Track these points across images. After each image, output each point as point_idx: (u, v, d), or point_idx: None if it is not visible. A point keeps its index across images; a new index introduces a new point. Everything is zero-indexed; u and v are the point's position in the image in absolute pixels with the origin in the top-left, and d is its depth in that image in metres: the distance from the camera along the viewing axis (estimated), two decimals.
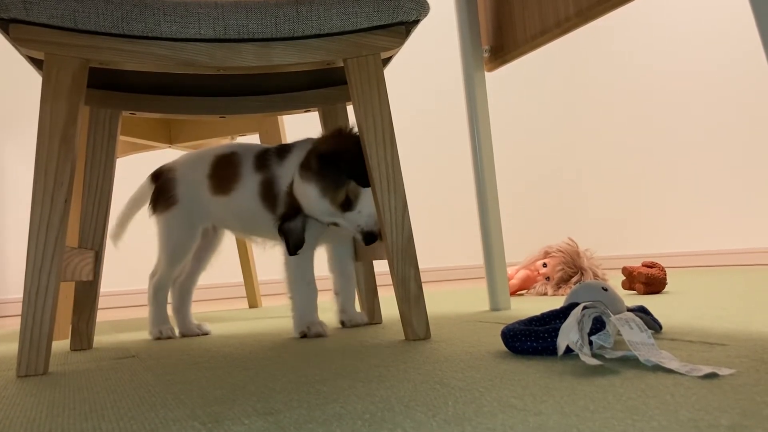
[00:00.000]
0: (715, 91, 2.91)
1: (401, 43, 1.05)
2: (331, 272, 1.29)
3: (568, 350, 0.72)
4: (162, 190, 1.29)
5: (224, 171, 1.24)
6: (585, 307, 0.74)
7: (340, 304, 1.28)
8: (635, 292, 1.63)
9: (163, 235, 1.28)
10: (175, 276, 1.33)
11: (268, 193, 1.20)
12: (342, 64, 1.05)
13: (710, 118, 2.94)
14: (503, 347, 0.84)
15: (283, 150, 1.22)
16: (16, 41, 0.92)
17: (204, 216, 1.28)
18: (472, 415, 0.51)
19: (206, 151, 1.31)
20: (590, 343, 0.73)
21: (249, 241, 1.40)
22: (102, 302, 2.84)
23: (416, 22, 1.05)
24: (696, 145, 3.02)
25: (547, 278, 1.81)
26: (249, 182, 1.22)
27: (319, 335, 1.11)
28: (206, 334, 1.32)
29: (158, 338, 1.27)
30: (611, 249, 3.40)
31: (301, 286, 1.16)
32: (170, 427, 0.53)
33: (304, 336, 1.12)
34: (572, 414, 0.49)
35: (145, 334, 1.40)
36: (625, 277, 1.65)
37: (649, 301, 1.38)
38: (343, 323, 1.27)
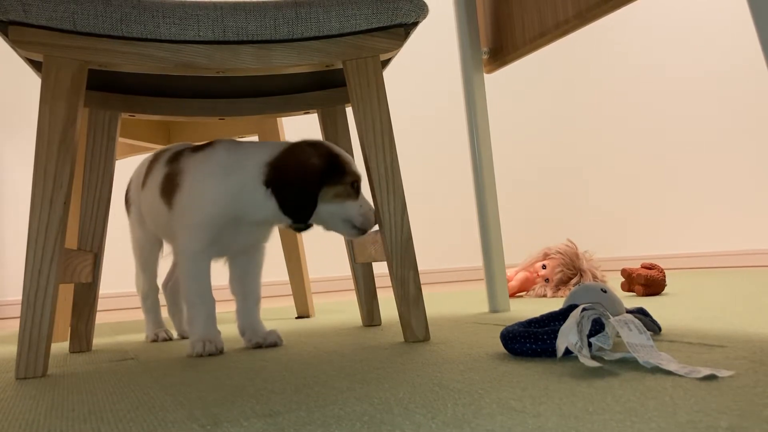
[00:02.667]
0: (714, 92, 2.92)
1: (400, 45, 1.05)
2: (231, 291, 1.14)
3: (568, 352, 0.72)
4: (125, 197, 1.30)
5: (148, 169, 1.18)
6: (584, 309, 0.74)
7: (241, 327, 1.11)
8: (634, 293, 1.63)
9: (131, 242, 1.28)
10: (165, 281, 1.33)
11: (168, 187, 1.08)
12: (341, 66, 1.05)
13: (709, 119, 2.95)
14: (502, 349, 0.84)
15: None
16: (15, 43, 0.92)
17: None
18: (471, 416, 0.51)
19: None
20: (589, 344, 0.73)
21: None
22: (101, 304, 2.84)
23: (415, 24, 1.05)
24: (694, 147, 3.02)
25: (547, 280, 1.81)
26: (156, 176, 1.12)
27: (211, 353, 0.99)
28: None
29: (154, 341, 1.27)
30: (610, 251, 3.40)
31: (194, 302, 1.02)
32: (169, 429, 0.53)
33: (198, 355, 0.99)
34: (571, 416, 0.49)
35: (143, 337, 1.40)
36: (624, 279, 1.65)
37: (649, 303, 1.38)
38: (248, 342, 1.09)
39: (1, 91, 2.83)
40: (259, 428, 0.51)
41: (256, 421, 0.54)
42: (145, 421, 0.57)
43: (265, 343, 1.07)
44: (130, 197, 1.27)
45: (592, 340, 0.74)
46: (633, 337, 0.69)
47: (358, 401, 0.59)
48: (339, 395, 0.62)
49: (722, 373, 0.59)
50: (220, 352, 1.01)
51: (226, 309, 2.15)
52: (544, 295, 1.78)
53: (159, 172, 1.11)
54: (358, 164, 1.10)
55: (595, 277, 1.76)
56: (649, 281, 1.58)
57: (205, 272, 1.03)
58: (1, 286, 2.79)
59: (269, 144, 1.04)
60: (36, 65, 1.02)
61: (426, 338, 1.01)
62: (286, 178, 0.98)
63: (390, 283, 1.03)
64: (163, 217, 1.08)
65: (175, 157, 1.10)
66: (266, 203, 1.00)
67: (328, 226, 1.05)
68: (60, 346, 1.30)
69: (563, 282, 1.77)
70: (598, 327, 0.74)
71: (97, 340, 1.37)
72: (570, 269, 1.78)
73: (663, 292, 1.63)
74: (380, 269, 1.52)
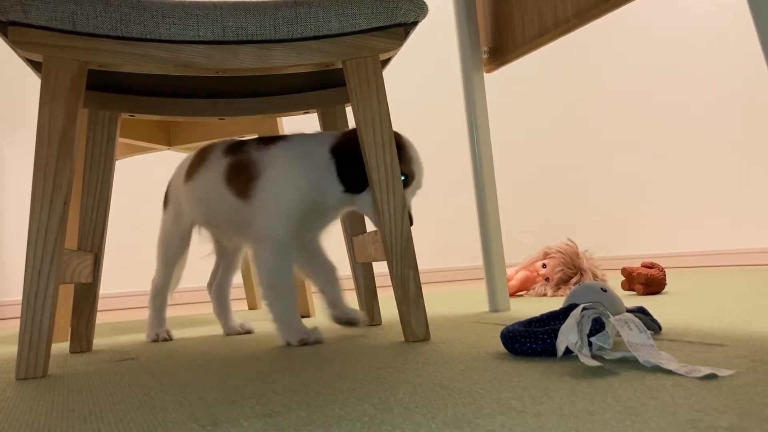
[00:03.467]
0: (714, 91, 2.92)
1: (400, 45, 1.05)
2: (305, 269, 1.19)
3: (568, 351, 0.72)
4: (165, 193, 1.31)
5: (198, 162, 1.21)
6: (584, 308, 0.74)
7: (329, 300, 1.18)
8: (635, 292, 1.63)
9: (158, 237, 1.29)
10: (210, 281, 1.33)
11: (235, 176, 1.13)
12: (341, 66, 1.05)
13: (709, 118, 2.95)
14: (502, 348, 0.84)
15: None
16: (15, 44, 0.92)
17: (183, 213, 1.25)
18: (472, 416, 0.51)
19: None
20: (590, 344, 0.73)
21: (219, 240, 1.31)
22: (101, 304, 2.84)
23: (415, 23, 1.05)
24: (695, 146, 3.02)
25: (547, 279, 1.81)
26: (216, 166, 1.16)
27: (318, 341, 1.05)
28: (249, 332, 1.31)
29: (154, 341, 1.27)
30: (611, 250, 3.40)
31: (282, 292, 1.07)
32: (169, 429, 0.53)
33: (303, 343, 1.04)
34: (571, 415, 0.49)
35: (144, 336, 1.40)
36: (624, 278, 1.65)
37: (649, 302, 1.38)
38: (338, 320, 1.19)
39: (2, 91, 2.83)
40: (259, 428, 0.51)
41: (256, 421, 0.54)
42: (146, 421, 0.57)
43: (357, 320, 1.18)
44: (170, 193, 1.28)
45: (592, 339, 0.74)
46: (633, 336, 0.69)
47: (359, 401, 0.59)
48: (339, 395, 0.62)
49: (722, 372, 0.59)
50: (322, 341, 1.06)
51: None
52: (545, 294, 1.78)
53: (217, 163, 1.15)
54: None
55: (595, 276, 1.76)
56: (649, 280, 1.58)
57: (290, 262, 1.08)
58: (2, 286, 2.79)
59: (340, 131, 1.15)
60: (36, 66, 1.02)
61: (426, 338, 1.01)
62: (347, 147, 1.08)
63: (390, 283, 1.03)
64: (228, 206, 1.12)
65: (236, 149, 1.15)
66: (339, 185, 1.08)
67: (365, 210, 1.11)
68: (60, 347, 1.30)
69: (563, 281, 1.77)
70: (598, 326, 0.74)
71: (98, 341, 1.37)
72: (570, 268, 1.78)
73: (663, 291, 1.63)
74: (380, 269, 1.52)
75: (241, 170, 1.11)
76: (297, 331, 1.05)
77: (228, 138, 1.26)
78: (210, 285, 1.34)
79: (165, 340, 1.27)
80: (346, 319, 1.18)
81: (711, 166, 2.95)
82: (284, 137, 1.15)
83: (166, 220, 1.28)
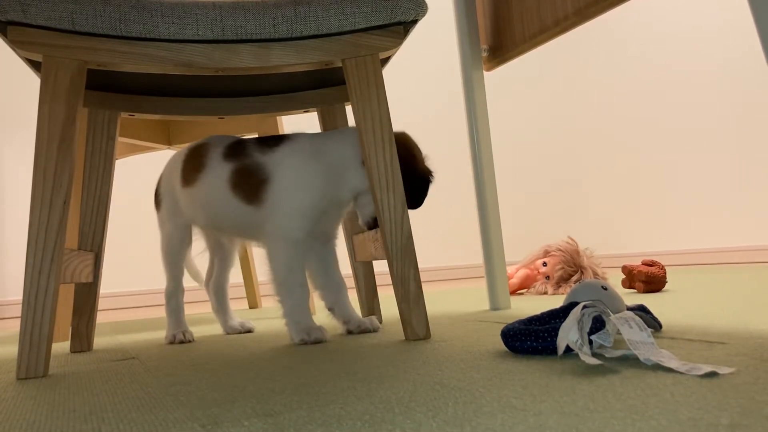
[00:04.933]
0: (714, 88, 2.92)
1: (399, 43, 1.05)
2: (316, 281, 1.18)
3: (568, 349, 0.72)
4: (155, 192, 1.28)
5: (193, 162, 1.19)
6: (585, 307, 0.74)
7: (341, 317, 1.17)
8: (635, 290, 1.63)
9: (160, 243, 1.26)
10: (206, 279, 1.33)
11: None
12: (340, 65, 1.05)
13: (710, 115, 2.94)
14: (503, 347, 0.84)
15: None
16: (14, 44, 0.92)
17: (180, 213, 1.23)
18: (472, 415, 0.51)
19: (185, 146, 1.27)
20: (590, 342, 0.73)
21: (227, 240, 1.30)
22: (102, 304, 2.84)
23: (414, 21, 1.05)
24: (695, 144, 3.02)
25: (547, 277, 1.81)
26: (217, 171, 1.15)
27: (318, 341, 1.05)
28: (249, 331, 1.30)
29: (171, 342, 1.22)
30: (611, 248, 3.40)
31: (293, 289, 1.08)
32: (170, 428, 0.53)
33: (303, 343, 1.06)
34: (572, 414, 0.49)
35: (145, 336, 1.40)
36: (625, 276, 1.65)
37: (649, 300, 1.38)
38: (351, 332, 1.16)
39: (3, 91, 2.83)
40: (259, 428, 0.51)
41: (256, 421, 0.54)
42: (146, 420, 0.57)
43: (372, 328, 1.16)
44: (161, 193, 1.25)
45: (592, 337, 0.74)
46: (634, 334, 0.69)
47: (359, 400, 0.59)
48: (340, 394, 0.62)
49: (723, 370, 0.59)
50: (325, 339, 1.07)
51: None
52: (545, 293, 1.78)
53: (219, 169, 1.14)
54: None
55: (595, 274, 1.75)
56: (649, 278, 1.58)
57: (303, 260, 1.10)
58: (2, 285, 2.79)
59: (346, 131, 1.16)
60: (36, 66, 1.02)
61: (427, 336, 1.01)
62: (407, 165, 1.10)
63: (390, 282, 1.03)
64: (235, 212, 1.12)
65: (237, 152, 1.14)
66: (352, 181, 1.11)
67: (363, 209, 1.16)
68: (61, 346, 1.30)
69: (564, 279, 1.77)
70: (598, 324, 0.74)
71: (98, 340, 1.38)
72: (571, 266, 1.78)
73: (664, 289, 1.62)
74: (380, 267, 1.52)
75: (248, 175, 1.11)
76: (300, 330, 1.06)
77: (218, 135, 1.22)
78: (207, 283, 1.33)
79: (182, 341, 1.22)
80: (359, 331, 1.15)
81: (711, 163, 2.95)
82: (287, 137, 1.14)
83: (162, 222, 1.25)
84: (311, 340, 1.05)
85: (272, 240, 1.09)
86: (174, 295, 1.26)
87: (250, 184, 1.10)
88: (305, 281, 1.10)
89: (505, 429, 0.46)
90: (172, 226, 1.24)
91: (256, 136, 1.74)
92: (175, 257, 1.25)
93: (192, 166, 1.18)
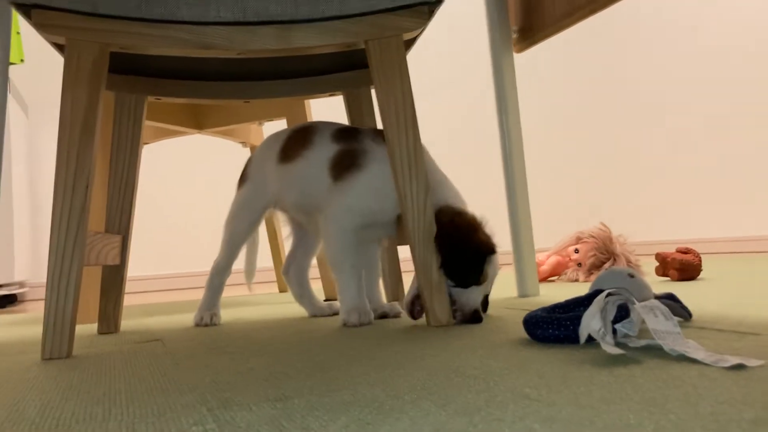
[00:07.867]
0: (754, 72, 2.81)
1: (424, 24, 1.03)
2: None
3: (591, 338, 0.70)
4: (242, 171, 1.28)
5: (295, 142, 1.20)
6: (609, 294, 0.72)
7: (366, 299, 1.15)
8: (669, 278, 1.58)
9: (227, 217, 1.25)
10: (284, 268, 1.30)
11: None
12: (363, 46, 1.03)
13: (747, 98, 2.84)
14: (525, 335, 0.82)
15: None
16: (38, 26, 0.93)
17: (264, 194, 1.23)
18: (483, 404, 0.49)
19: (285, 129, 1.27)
20: (614, 331, 0.71)
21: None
22: (133, 287, 2.89)
23: (439, 1, 1.03)
24: (734, 128, 2.92)
25: (579, 264, 1.77)
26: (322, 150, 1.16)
27: (361, 324, 1.06)
28: (336, 314, 1.26)
29: (198, 325, 1.22)
30: (645, 234, 3.32)
31: (344, 270, 1.09)
32: (178, 412, 0.53)
33: (344, 324, 1.07)
34: (587, 405, 0.47)
35: (173, 318, 1.41)
36: (658, 263, 1.61)
37: (683, 288, 1.34)
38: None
39: (39, 77, 2.88)
40: (267, 413, 0.51)
41: (265, 406, 0.53)
42: (156, 403, 0.57)
43: (391, 314, 1.16)
44: (249, 172, 1.25)
45: (617, 326, 0.71)
46: (659, 323, 0.67)
47: (371, 387, 0.58)
48: (352, 380, 0.61)
49: (751, 362, 0.57)
50: (370, 322, 1.08)
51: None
52: (576, 280, 1.75)
53: (326, 148, 1.14)
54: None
55: (628, 262, 1.71)
56: (683, 266, 1.54)
57: (356, 244, 1.10)
58: (39, 267, 2.86)
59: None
60: (62, 50, 1.02)
61: (449, 323, 0.99)
62: (454, 239, 1.02)
63: (412, 267, 1.02)
64: (321, 189, 1.12)
65: (348, 137, 1.14)
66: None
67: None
68: (89, 327, 1.32)
69: (596, 266, 1.73)
70: (623, 313, 0.71)
71: (126, 322, 1.39)
72: (603, 253, 1.74)
73: (698, 277, 1.58)
74: (404, 253, 1.50)
75: (349, 157, 1.11)
76: (344, 311, 1.08)
77: (323, 120, 1.22)
78: (286, 270, 1.30)
79: (207, 324, 1.21)
80: (378, 316, 1.15)
81: (750, 149, 2.85)
82: None
83: (239, 199, 1.25)
84: (351, 322, 1.06)
85: (330, 224, 1.10)
86: (221, 272, 1.25)
87: (346, 165, 1.11)
88: (357, 262, 1.10)
89: (514, 420, 0.44)
90: (249, 203, 1.24)
91: (285, 121, 1.74)
92: (238, 237, 1.24)
93: (297, 143, 1.18)
